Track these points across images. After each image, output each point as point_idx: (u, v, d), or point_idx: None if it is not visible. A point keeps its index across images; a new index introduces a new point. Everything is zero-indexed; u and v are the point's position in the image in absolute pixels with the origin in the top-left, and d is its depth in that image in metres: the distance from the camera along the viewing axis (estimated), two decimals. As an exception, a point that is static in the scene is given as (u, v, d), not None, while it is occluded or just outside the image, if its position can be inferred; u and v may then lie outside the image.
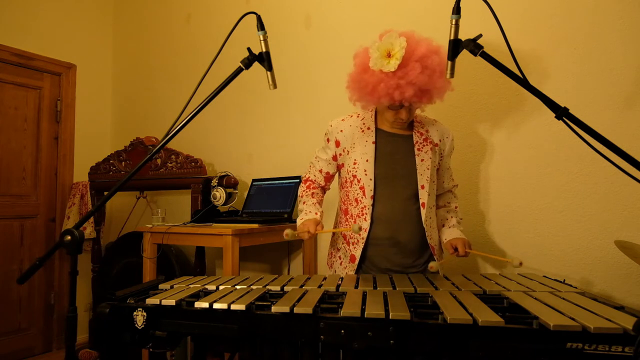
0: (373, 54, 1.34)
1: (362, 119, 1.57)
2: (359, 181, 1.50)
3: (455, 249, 1.50)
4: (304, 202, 1.61)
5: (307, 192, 1.64)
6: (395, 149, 1.52)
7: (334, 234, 1.67)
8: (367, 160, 1.50)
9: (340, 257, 1.59)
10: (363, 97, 1.43)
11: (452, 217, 1.64)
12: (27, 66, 3.07)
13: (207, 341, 1.17)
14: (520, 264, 1.33)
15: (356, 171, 1.51)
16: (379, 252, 1.50)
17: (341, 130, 1.55)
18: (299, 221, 1.54)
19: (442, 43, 1.25)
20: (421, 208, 1.49)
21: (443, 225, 1.64)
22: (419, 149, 1.52)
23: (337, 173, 1.65)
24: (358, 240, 1.50)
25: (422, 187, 1.49)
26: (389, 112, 1.47)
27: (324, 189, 1.70)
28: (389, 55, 1.32)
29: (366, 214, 1.49)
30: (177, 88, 3.19)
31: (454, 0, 1.16)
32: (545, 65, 1.84)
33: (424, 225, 1.49)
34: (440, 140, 1.56)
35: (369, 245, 1.50)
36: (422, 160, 1.51)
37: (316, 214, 1.53)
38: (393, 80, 1.32)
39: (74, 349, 1.13)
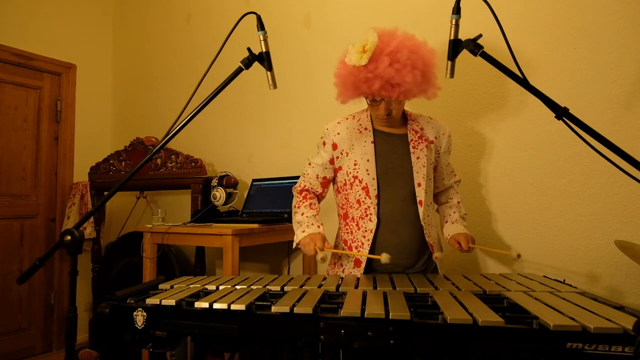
0: (351, 49, 1.37)
1: (358, 120, 1.56)
2: (360, 182, 1.49)
3: (459, 244, 1.48)
4: (302, 214, 1.54)
5: (303, 202, 1.57)
6: (392, 148, 1.52)
7: (335, 246, 1.61)
8: (368, 160, 1.49)
9: (342, 265, 1.55)
10: (341, 91, 1.45)
11: (454, 212, 1.63)
12: (27, 66, 3.07)
13: (207, 341, 1.17)
14: (519, 256, 1.37)
15: (357, 172, 1.50)
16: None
17: (338, 133, 1.55)
18: (300, 234, 1.49)
19: (442, 43, 1.25)
20: (419, 206, 1.48)
21: (446, 222, 1.63)
22: (414, 147, 1.51)
23: (333, 178, 1.62)
24: (363, 243, 1.47)
25: (419, 184, 1.48)
26: (371, 109, 1.49)
27: (319, 198, 1.65)
28: (364, 51, 1.34)
29: (371, 214, 1.46)
30: (177, 88, 3.19)
31: (454, 0, 1.16)
32: (545, 65, 1.83)
33: (422, 224, 1.48)
34: (436, 137, 1.56)
35: (375, 247, 1.46)
36: (418, 158, 1.50)
37: (319, 227, 1.50)
38: (362, 73, 1.34)
39: (74, 349, 1.13)
